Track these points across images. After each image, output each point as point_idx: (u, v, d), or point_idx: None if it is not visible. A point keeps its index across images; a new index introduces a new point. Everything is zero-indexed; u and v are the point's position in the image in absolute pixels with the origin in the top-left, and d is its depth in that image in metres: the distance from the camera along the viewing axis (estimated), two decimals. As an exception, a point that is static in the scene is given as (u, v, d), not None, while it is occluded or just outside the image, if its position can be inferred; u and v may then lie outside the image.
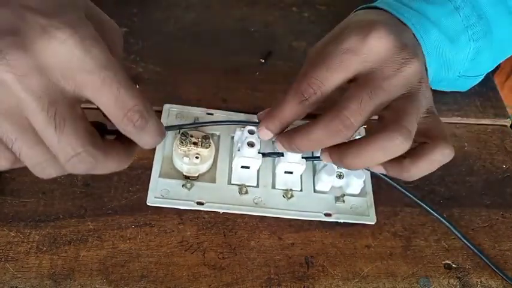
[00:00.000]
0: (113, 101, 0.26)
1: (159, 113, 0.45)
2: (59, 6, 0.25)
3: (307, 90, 0.33)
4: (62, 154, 0.25)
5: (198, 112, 0.46)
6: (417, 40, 0.37)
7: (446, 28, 0.39)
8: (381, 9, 0.39)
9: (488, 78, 0.56)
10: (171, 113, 0.45)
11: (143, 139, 0.28)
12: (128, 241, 0.38)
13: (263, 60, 0.52)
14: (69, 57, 0.24)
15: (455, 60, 0.41)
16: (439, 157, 0.35)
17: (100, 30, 0.27)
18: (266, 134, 0.36)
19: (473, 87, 0.54)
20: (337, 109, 0.33)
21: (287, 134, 0.36)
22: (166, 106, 0.45)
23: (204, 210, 0.41)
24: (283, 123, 0.35)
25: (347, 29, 0.35)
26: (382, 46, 0.34)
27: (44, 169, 0.27)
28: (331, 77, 0.33)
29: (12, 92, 0.24)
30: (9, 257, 0.36)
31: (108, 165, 0.28)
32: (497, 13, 0.42)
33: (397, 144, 0.32)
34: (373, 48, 0.33)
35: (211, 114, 0.46)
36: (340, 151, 0.34)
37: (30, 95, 0.24)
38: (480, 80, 0.49)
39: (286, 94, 0.35)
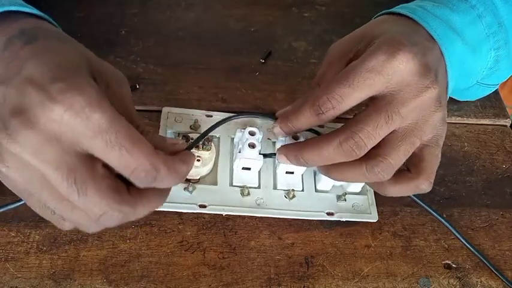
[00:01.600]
0: (117, 162, 0.26)
1: (158, 112, 0.45)
2: (62, 71, 0.26)
3: (325, 104, 0.33)
4: (91, 214, 0.27)
5: (197, 114, 0.46)
6: (442, 54, 0.37)
7: (470, 38, 0.39)
8: (405, 15, 0.38)
9: (488, 78, 0.56)
10: (170, 115, 0.45)
11: (159, 186, 0.29)
12: (128, 241, 0.38)
13: (263, 60, 0.52)
14: (72, 126, 0.25)
15: (474, 70, 0.41)
16: (413, 189, 0.36)
17: (105, 85, 0.29)
18: (280, 133, 0.38)
19: (473, 87, 0.55)
20: (352, 130, 0.33)
21: (295, 147, 0.36)
22: (165, 109, 0.45)
23: (204, 210, 0.41)
24: (296, 129, 0.36)
25: (374, 45, 0.34)
26: (407, 70, 0.33)
27: (88, 227, 0.29)
28: (352, 95, 0.33)
29: (34, 168, 0.26)
30: (9, 257, 0.36)
31: (139, 212, 0.29)
32: None
33: (375, 173, 0.34)
34: (397, 71, 0.33)
35: (211, 116, 0.46)
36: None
37: (48, 167, 0.25)
38: (493, 90, 0.49)
39: (304, 103, 0.35)
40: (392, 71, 0.33)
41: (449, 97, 0.52)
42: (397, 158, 0.34)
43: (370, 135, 0.33)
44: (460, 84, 0.42)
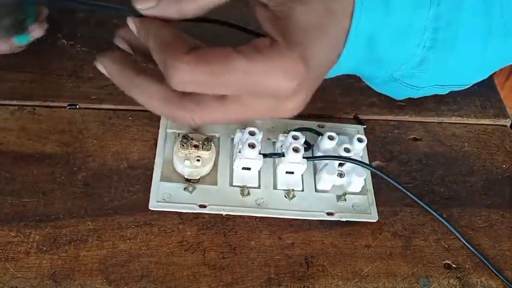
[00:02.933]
0: None
1: (159, 113, 0.45)
2: None
3: (181, 85, 0.28)
4: None
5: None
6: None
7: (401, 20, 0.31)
8: None
9: (489, 78, 0.56)
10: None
11: None
12: (127, 241, 0.38)
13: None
14: None
15: (388, 60, 0.34)
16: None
17: None
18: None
19: (473, 87, 0.54)
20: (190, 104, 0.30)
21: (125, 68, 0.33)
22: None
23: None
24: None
25: (274, 49, 0.29)
26: (287, 97, 0.30)
27: None
28: (212, 90, 0.29)
29: None
30: (9, 257, 0.36)
31: None
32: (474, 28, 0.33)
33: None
34: (277, 93, 0.29)
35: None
36: None
37: None
38: (420, 94, 0.40)
39: (165, 54, 0.29)
40: (273, 96, 0.30)
41: (446, 96, 0.53)
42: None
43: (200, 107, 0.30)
44: (366, 70, 0.35)
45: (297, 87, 0.29)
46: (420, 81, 0.37)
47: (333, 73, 0.34)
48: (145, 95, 0.31)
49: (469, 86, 0.40)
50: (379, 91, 0.44)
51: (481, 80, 0.40)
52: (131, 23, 0.32)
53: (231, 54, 0.28)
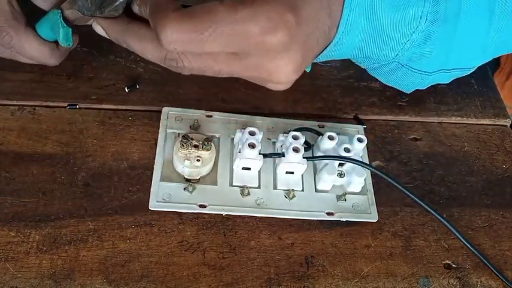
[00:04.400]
0: None
1: (158, 113, 0.45)
2: None
3: (168, 48, 0.30)
4: None
5: (197, 114, 0.46)
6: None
7: None
8: None
9: (488, 78, 0.56)
10: (170, 116, 0.45)
11: None
12: (127, 241, 0.38)
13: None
14: None
15: (390, 31, 0.33)
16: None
17: None
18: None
19: (473, 87, 0.55)
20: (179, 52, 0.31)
21: (119, 29, 0.34)
22: (165, 109, 0.45)
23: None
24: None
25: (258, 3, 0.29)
26: (277, 53, 0.30)
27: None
28: (201, 49, 0.30)
29: None
30: (9, 257, 0.36)
31: None
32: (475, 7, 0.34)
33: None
34: (267, 50, 0.30)
35: (211, 116, 0.46)
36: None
37: None
38: (428, 83, 0.40)
39: (145, 28, 0.32)
40: (262, 49, 0.29)
41: (446, 96, 0.53)
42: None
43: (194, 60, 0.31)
44: (370, 49, 0.34)
45: (287, 40, 0.29)
46: (427, 65, 0.37)
47: (337, 54, 0.34)
48: (139, 38, 0.33)
49: (472, 70, 0.41)
50: (387, 83, 0.43)
51: (483, 63, 0.40)
52: (134, 6, 0.33)
53: (215, 6, 0.28)
